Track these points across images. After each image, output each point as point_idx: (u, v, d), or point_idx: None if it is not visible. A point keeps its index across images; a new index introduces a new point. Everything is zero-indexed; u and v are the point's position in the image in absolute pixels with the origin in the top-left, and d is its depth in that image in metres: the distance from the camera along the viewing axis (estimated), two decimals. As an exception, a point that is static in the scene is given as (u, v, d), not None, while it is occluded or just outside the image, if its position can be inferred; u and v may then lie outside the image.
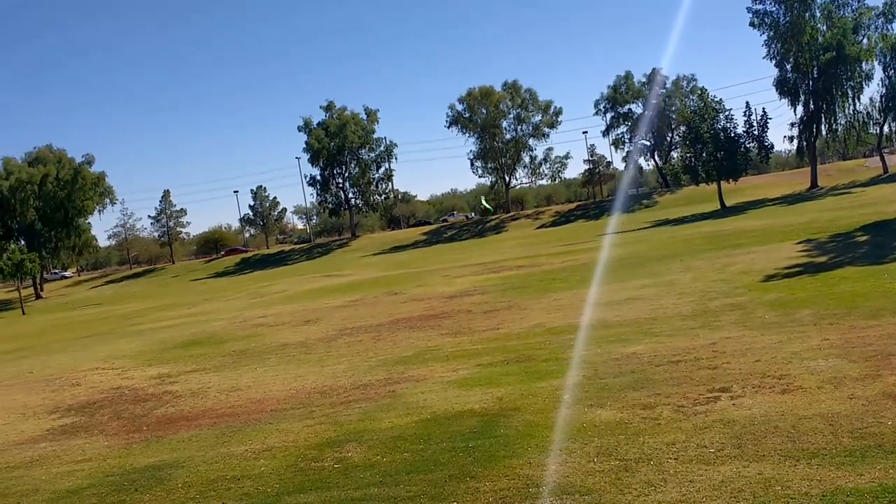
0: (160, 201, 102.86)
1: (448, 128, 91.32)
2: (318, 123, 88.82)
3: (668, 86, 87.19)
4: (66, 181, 76.42)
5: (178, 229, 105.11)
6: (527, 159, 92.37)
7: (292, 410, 9.93)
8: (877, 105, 62.36)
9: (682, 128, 61.30)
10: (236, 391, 11.98)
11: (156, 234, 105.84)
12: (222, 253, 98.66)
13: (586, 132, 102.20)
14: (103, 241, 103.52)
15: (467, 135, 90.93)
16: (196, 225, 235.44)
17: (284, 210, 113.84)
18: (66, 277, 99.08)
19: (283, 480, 6.93)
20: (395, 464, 6.93)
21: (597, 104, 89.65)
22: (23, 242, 73.57)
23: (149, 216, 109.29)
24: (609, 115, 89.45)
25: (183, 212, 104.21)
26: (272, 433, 8.75)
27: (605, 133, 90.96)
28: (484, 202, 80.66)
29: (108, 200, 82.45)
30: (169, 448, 8.81)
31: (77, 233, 79.25)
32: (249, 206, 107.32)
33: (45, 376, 16.58)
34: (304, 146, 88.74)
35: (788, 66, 62.42)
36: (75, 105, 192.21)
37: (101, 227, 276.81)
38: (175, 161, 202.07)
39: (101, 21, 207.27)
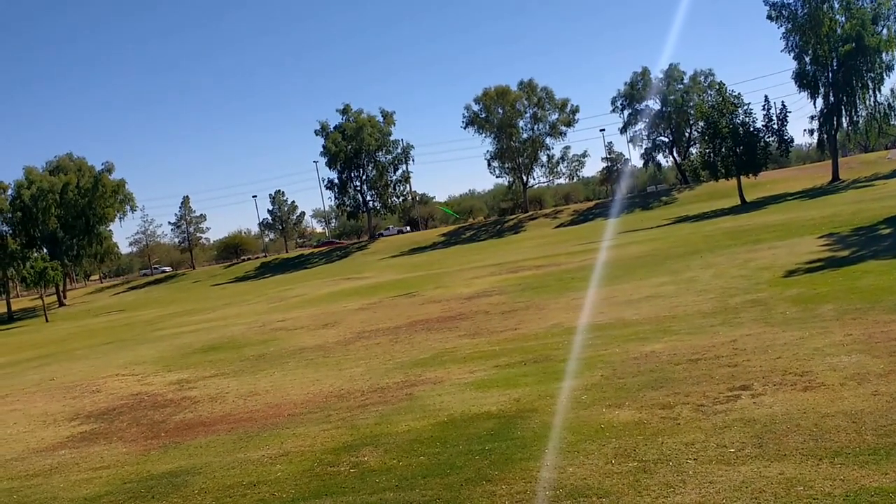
0: (180, 207, 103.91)
1: (465, 128, 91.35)
2: (335, 127, 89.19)
3: (685, 81, 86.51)
4: (86, 189, 77.26)
5: (198, 235, 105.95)
6: (544, 158, 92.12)
7: (309, 415, 9.91)
8: (898, 96, 61.41)
9: (701, 123, 60.67)
10: (254, 396, 11.99)
11: (176, 241, 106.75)
12: (242, 259, 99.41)
13: (603, 130, 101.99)
14: (125, 248, 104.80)
15: (484, 135, 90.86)
16: (216, 230, 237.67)
17: (303, 214, 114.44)
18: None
19: (300, 486, 6.90)
20: (411, 467, 6.87)
21: (614, 101, 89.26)
22: (45, 251, 74.44)
23: (169, 222, 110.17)
24: (626, 112, 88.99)
25: (203, 217, 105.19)
26: (289, 438, 8.73)
27: (623, 130, 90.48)
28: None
29: (128, 207, 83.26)
30: (186, 454, 8.82)
31: (98, 240, 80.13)
32: (268, 210, 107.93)
33: (67, 383, 16.72)
34: (322, 150, 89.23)
35: (807, 59, 61.68)
36: (94, 112, 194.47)
37: (123, 234, 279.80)
38: (194, 167, 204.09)
39: (117, 27, 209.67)
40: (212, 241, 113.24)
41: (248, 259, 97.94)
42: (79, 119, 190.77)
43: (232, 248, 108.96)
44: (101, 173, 79.34)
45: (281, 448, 8.32)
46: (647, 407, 7.64)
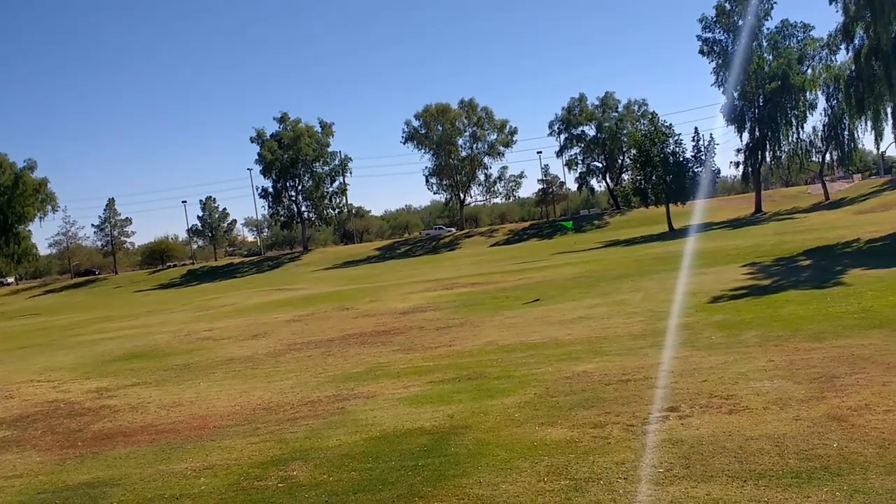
0: (105, 209, 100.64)
1: (404, 143, 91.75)
2: (272, 135, 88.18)
3: (620, 109, 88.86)
4: (6, 186, 74.03)
5: (122, 239, 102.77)
6: (482, 177, 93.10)
7: (236, 427, 9.65)
8: (819, 134, 64.41)
9: (633, 151, 62.35)
10: (178, 406, 11.62)
11: (99, 244, 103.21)
12: (168, 265, 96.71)
13: (540, 152, 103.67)
14: (44, 250, 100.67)
15: (423, 151, 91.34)
16: (142, 235, 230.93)
17: (234, 222, 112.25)
18: (5, 285, 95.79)
19: (224, 500, 6.69)
20: (341, 483, 6.75)
21: (551, 125, 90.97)
22: (-42, 249, 70.98)
23: (92, 225, 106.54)
24: (563, 136, 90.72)
25: (128, 221, 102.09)
26: (214, 451, 8.48)
27: (559, 154, 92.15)
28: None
29: (49, 207, 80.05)
30: (105, 465, 8.46)
31: (17, 240, 76.65)
32: (198, 216, 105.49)
33: (-23, 388, 15.86)
34: (257, 157, 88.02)
35: (736, 94, 64.17)
36: (17, 108, 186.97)
37: (42, 234, 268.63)
38: (122, 169, 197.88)
39: (45, 23, 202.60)
40: (137, 246, 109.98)
41: (175, 266, 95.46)
42: (1, 114, 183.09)
43: (158, 254, 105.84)
44: (22, 171, 76.16)
45: (205, 461, 8.06)
46: (579, 426, 7.72)
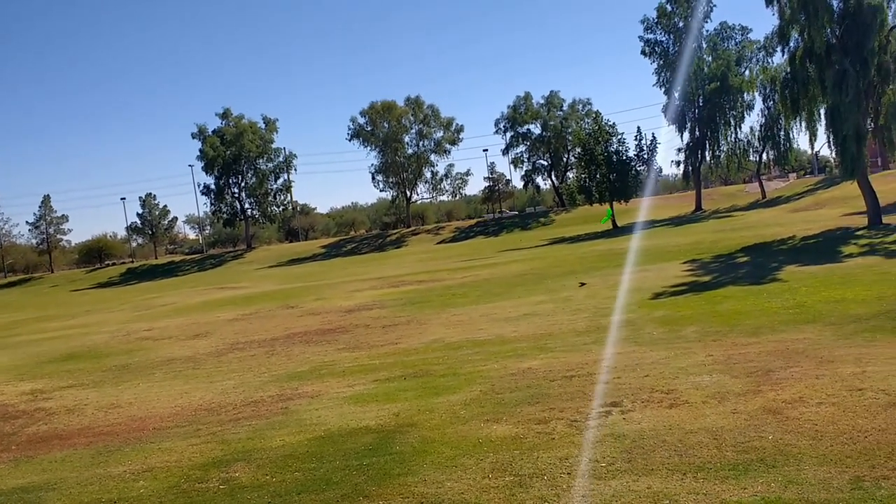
0: (40, 207, 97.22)
1: (349, 140, 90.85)
2: (214, 131, 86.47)
3: (565, 108, 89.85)
4: (-67, 182, 71.07)
5: (58, 237, 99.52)
6: (428, 175, 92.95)
7: (177, 429, 9.44)
8: (757, 134, 66.19)
9: (578, 149, 63.12)
10: (116, 408, 11.32)
11: (34, 242, 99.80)
12: (107, 263, 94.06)
13: (486, 150, 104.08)
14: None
15: (369, 148, 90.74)
16: (79, 233, 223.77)
17: (175, 219, 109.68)
18: None
19: (164, 503, 6.54)
20: (284, 484, 6.66)
21: (497, 123, 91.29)
22: None
23: (27, 222, 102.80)
24: (509, 135, 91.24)
25: (64, 218, 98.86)
26: (154, 453, 8.28)
27: (505, 151, 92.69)
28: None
29: (-19, 204, 77.12)
30: (40, 469, 8.20)
31: (-55, 238, 73.69)
32: (137, 214, 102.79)
33: None
34: (199, 154, 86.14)
35: (676, 94, 65.50)
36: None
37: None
38: (58, 165, 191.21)
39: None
40: (73, 244, 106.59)
41: (114, 264, 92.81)
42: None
43: (96, 252, 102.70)
44: (-49, 165, 73.24)
45: (145, 463, 7.87)
46: (523, 422, 7.78)
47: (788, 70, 31.44)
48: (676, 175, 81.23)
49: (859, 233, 28.00)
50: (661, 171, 62.80)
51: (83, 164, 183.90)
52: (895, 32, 29.63)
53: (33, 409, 11.97)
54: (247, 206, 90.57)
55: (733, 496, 5.32)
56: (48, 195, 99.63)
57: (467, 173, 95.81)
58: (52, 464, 8.38)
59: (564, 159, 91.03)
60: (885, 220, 30.49)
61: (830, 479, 5.45)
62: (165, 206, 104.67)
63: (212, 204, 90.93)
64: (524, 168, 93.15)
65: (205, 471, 7.33)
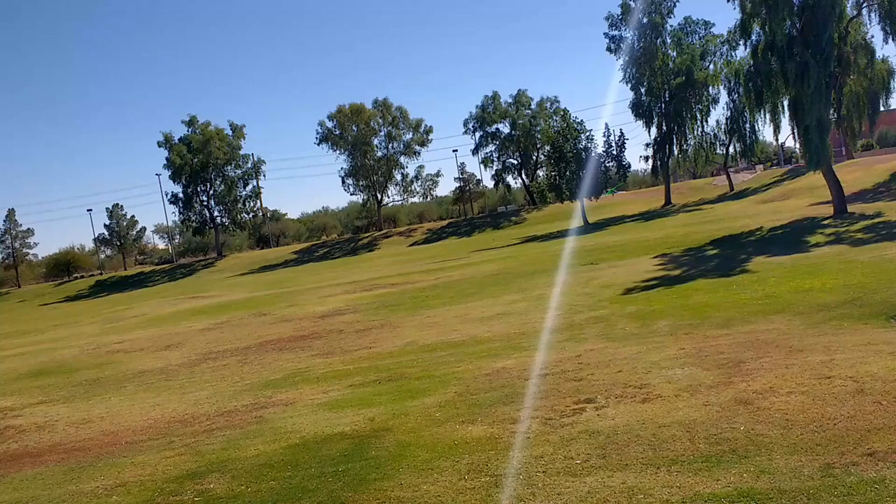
0: (4, 221, 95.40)
1: (318, 144, 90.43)
2: (180, 139, 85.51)
3: (533, 107, 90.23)
4: None
5: (24, 251, 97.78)
6: (398, 177, 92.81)
7: (150, 442, 9.32)
8: (723, 127, 66.83)
9: (547, 148, 63.42)
10: (87, 423, 11.13)
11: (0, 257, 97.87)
12: (75, 276, 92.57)
13: (456, 150, 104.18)
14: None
15: (338, 152, 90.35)
16: (45, 246, 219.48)
17: (144, 229, 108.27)
18: None
19: (138, 519, 6.44)
20: (260, 493, 6.60)
21: (466, 123, 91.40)
22: None
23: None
24: (478, 135, 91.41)
25: (30, 232, 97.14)
26: (127, 467, 8.16)
27: (475, 151, 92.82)
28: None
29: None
30: (11, 487, 8.04)
31: None
32: (105, 225, 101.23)
33: None
34: (165, 162, 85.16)
35: (643, 90, 66.05)
36: None
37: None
38: (21, 178, 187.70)
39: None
40: (40, 258, 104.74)
41: (82, 277, 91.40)
42: None
43: (63, 265, 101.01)
44: None
45: (118, 478, 7.75)
46: (498, 422, 7.79)
47: (751, 63, 31.85)
48: (645, 170, 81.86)
49: (825, 222, 28.49)
50: (629, 166, 63.10)
51: (47, 176, 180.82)
52: (854, 23, 30.18)
53: (3, 427, 11.74)
54: (216, 213, 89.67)
55: (707, 488, 5.37)
56: (13, 209, 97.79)
57: (438, 174, 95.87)
58: (23, 482, 8.23)
59: (534, 158, 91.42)
60: (850, 208, 31.06)
61: (801, 468, 5.53)
62: (133, 216, 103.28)
63: (180, 213, 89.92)
64: (494, 167, 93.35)
65: (179, 483, 7.24)
